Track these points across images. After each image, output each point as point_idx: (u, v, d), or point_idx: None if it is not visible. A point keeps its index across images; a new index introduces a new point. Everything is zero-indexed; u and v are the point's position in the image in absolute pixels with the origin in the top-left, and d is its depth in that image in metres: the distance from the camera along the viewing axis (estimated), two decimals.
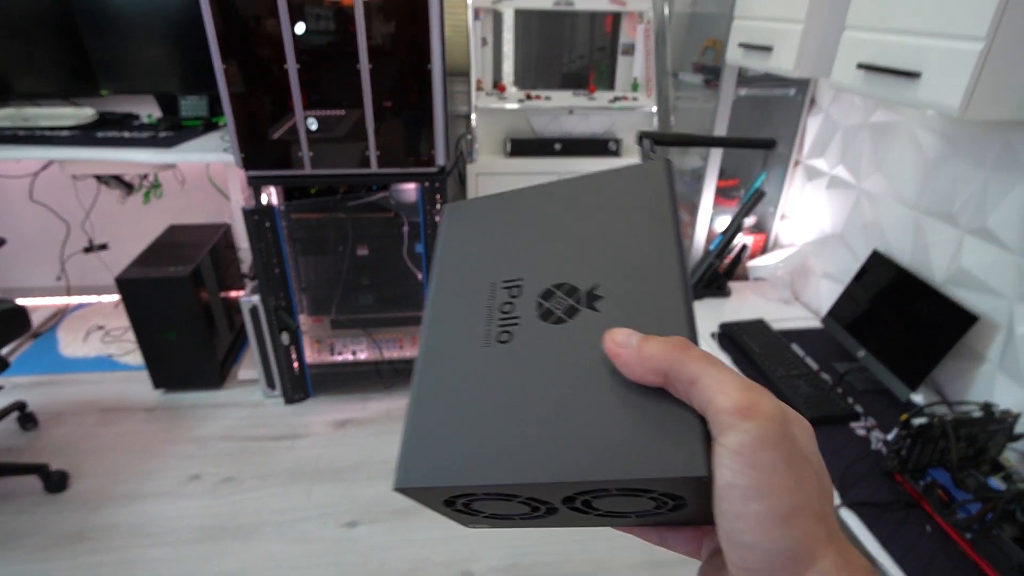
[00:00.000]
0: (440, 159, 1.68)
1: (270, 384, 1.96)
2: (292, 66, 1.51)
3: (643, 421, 0.23)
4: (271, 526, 1.53)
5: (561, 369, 0.26)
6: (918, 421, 1.12)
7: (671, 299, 0.27)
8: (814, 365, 1.55)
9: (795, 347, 1.62)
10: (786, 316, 1.79)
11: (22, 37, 1.98)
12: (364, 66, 1.53)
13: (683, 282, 0.27)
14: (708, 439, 0.22)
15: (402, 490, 0.25)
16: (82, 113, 2.03)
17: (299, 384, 1.96)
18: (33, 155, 1.79)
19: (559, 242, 0.32)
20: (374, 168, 1.66)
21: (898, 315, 1.45)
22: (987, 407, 1.09)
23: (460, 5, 2.12)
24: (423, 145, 1.66)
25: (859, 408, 1.39)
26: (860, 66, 1.15)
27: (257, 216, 1.66)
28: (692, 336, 0.25)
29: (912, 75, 1.05)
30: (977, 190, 1.29)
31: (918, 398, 1.36)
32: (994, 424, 1.12)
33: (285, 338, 1.84)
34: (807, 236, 1.87)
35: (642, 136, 0.29)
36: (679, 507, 0.24)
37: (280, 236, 1.71)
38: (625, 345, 0.24)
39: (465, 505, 0.27)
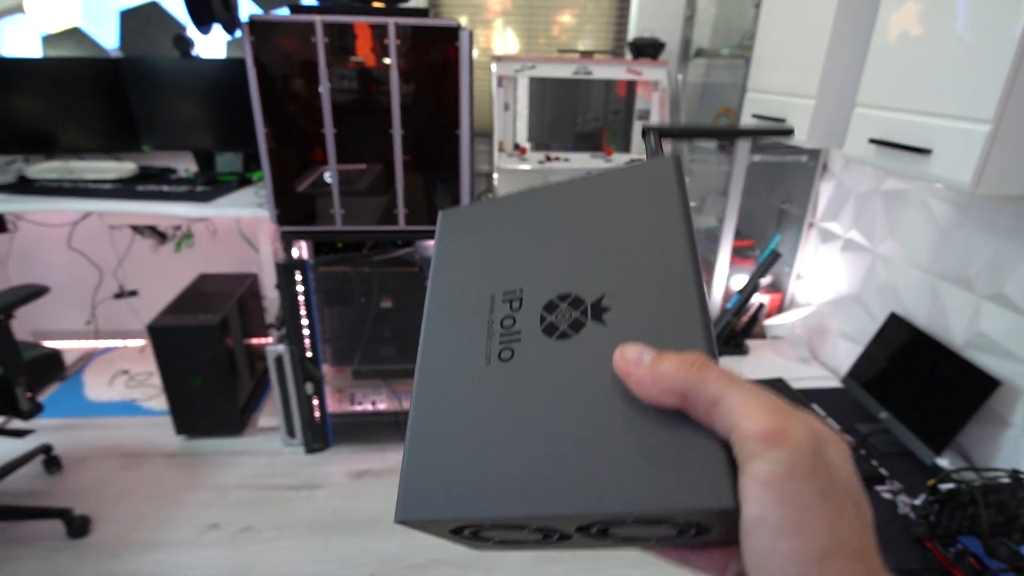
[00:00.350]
0: None
1: (290, 433, 1.98)
2: (328, 128, 1.61)
3: (661, 447, 0.21)
4: None
5: (569, 389, 0.24)
6: (946, 486, 1.12)
7: (685, 309, 0.24)
8: (836, 426, 1.55)
9: (815, 407, 1.63)
10: (805, 375, 1.81)
11: (74, 96, 2.11)
12: (396, 130, 1.62)
13: (698, 290, 0.25)
14: (733, 466, 0.20)
15: (403, 523, 0.24)
16: (124, 167, 2.13)
17: (319, 433, 1.97)
18: (77, 207, 1.88)
19: (561, 248, 0.29)
20: (402, 225, 1.73)
21: (920, 377, 1.47)
22: (1015, 474, 1.09)
23: (484, 70, 2.24)
24: (449, 204, 1.74)
25: (884, 471, 1.38)
26: (872, 141, 1.21)
27: (288, 269, 1.72)
28: (711, 350, 0.23)
29: (923, 151, 1.10)
30: (991, 257, 1.32)
31: (944, 462, 1.36)
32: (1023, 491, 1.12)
33: (309, 388, 1.87)
34: (823, 296, 1.91)
35: (646, 130, 0.28)
36: (703, 532, 0.23)
37: (310, 289, 1.77)
38: (637, 364, 0.22)
39: (473, 534, 0.25)
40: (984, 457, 1.35)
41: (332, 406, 2.01)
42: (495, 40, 2.48)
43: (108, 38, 2.21)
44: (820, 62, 1.41)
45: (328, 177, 1.65)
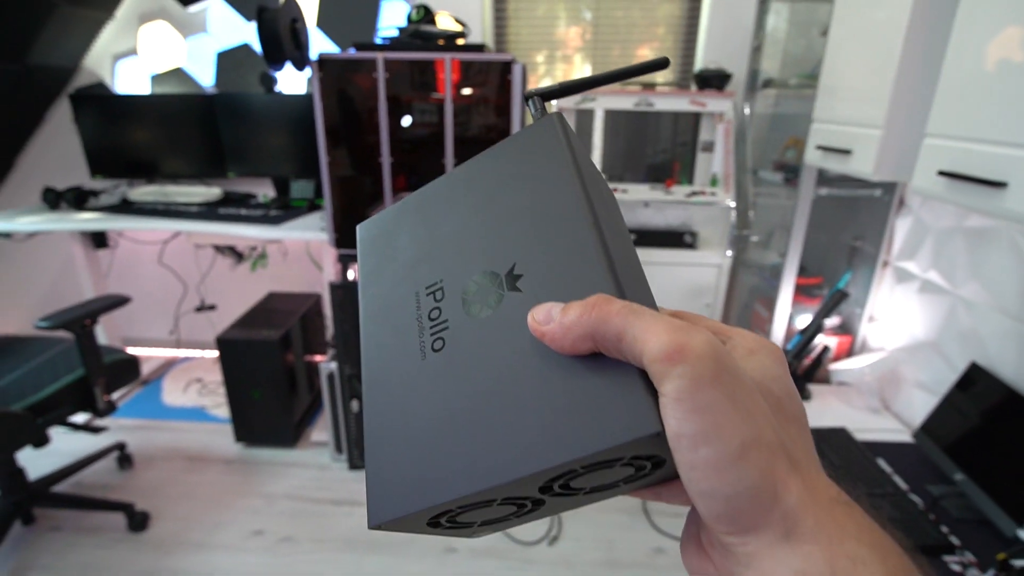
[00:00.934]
0: None
1: (338, 448, 2.03)
2: (385, 159, 1.68)
3: (586, 392, 0.22)
4: None
5: (498, 362, 0.25)
6: (1020, 562, 0.98)
7: (587, 258, 0.25)
8: (903, 485, 1.41)
9: (881, 462, 1.49)
10: (873, 427, 1.66)
11: (174, 128, 2.34)
12: (449, 159, 1.67)
13: (597, 236, 0.25)
14: (654, 392, 0.21)
15: (377, 527, 0.25)
16: (210, 192, 2.33)
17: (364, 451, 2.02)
18: (167, 227, 2.07)
19: (470, 229, 0.30)
20: None
21: (1002, 437, 1.31)
22: None
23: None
24: None
25: (955, 539, 1.23)
26: (942, 173, 1.12)
27: (341, 290, 1.80)
28: (617, 289, 0.24)
29: (998, 184, 1.00)
30: None
31: None
32: None
33: (355, 405, 1.92)
34: (898, 341, 1.75)
35: (528, 95, 0.27)
36: (659, 464, 0.23)
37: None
38: (548, 321, 0.23)
39: (451, 522, 0.26)
40: None
41: None
42: (574, 74, 2.52)
43: (206, 77, 2.45)
44: (888, 90, 1.33)
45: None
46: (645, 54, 2.47)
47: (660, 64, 0.33)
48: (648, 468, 0.23)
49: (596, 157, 2.32)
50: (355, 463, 2.02)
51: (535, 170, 0.29)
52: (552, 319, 0.23)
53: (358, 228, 0.37)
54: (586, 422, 0.22)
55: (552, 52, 2.48)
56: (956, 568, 1.16)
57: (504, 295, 0.26)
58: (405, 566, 1.63)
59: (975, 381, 1.42)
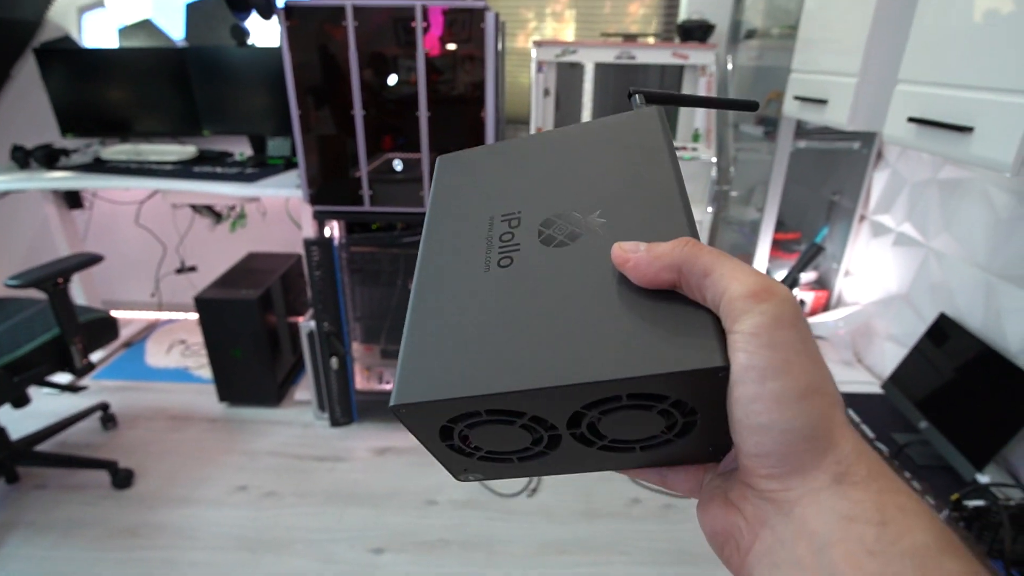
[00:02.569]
0: None
1: (321, 407, 2.05)
2: (358, 111, 1.65)
3: (656, 321, 0.23)
4: (302, 543, 1.58)
5: (566, 284, 0.26)
6: (974, 503, 1.01)
7: (674, 218, 0.26)
8: (870, 433, 1.44)
9: (851, 412, 1.52)
10: (845, 379, 1.69)
11: (146, 84, 2.28)
12: (423, 112, 1.64)
13: (684, 204, 0.27)
14: (722, 335, 0.22)
15: (398, 407, 0.24)
16: (185, 150, 2.28)
17: (345, 408, 2.04)
18: (141, 185, 2.03)
19: (558, 177, 0.32)
20: (426, 207, 1.75)
21: (966, 385, 1.33)
22: None
23: (527, 57, 2.23)
24: None
25: (916, 484, 1.27)
26: (911, 120, 1.11)
27: (318, 247, 1.79)
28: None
29: (964, 130, 1.00)
30: None
31: (985, 479, 1.23)
32: None
33: (334, 363, 1.93)
34: (872, 295, 1.77)
35: (633, 92, 0.30)
36: (687, 429, 0.24)
37: (336, 266, 1.83)
38: (634, 251, 0.24)
39: (462, 437, 0.26)
40: None
41: (360, 383, 2.07)
42: (565, 31, 2.46)
43: (176, 30, 2.37)
44: (863, 38, 1.30)
45: (362, 163, 1.69)
46: (635, 10, 2.41)
47: (750, 106, 0.37)
48: (675, 431, 0.24)
49: (586, 114, 2.28)
50: (337, 420, 2.05)
51: (634, 144, 0.31)
52: (639, 250, 0.24)
53: (438, 159, 0.38)
54: (652, 346, 0.22)
55: (541, 8, 2.41)
56: None
57: (582, 234, 0.28)
58: (386, 518, 1.67)
59: (943, 332, 1.43)
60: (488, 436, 0.25)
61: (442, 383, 0.24)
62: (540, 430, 0.25)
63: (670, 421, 0.24)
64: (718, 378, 0.21)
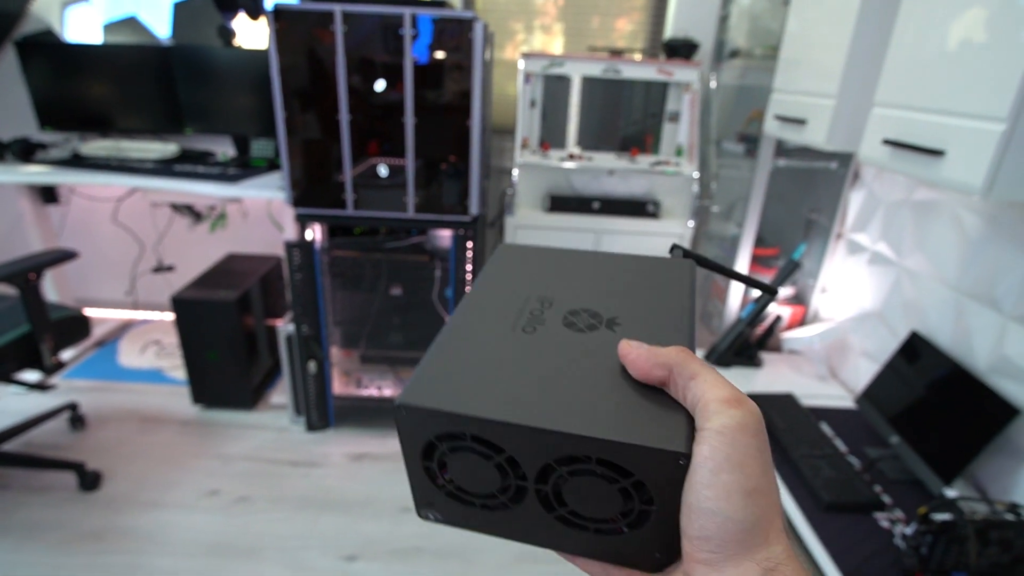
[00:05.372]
0: (474, 209, 1.75)
1: (298, 411, 2.03)
2: (344, 115, 1.65)
3: (639, 406, 0.26)
4: (273, 550, 1.56)
5: (575, 359, 0.29)
6: (941, 517, 1.03)
7: (678, 334, 0.31)
8: (843, 447, 1.46)
9: (824, 426, 1.54)
10: (819, 393, 1.71)
11: (129, 80, 2.25)
12: (409, 119, 1.64)
13: (690, 329, 0.32)
14: (692, 432, 0.24)
15: (400, 407, 0.27)
16: (166, 148, 2.25)
17: (321, 412, 2.02)
18: (120, 182, 2.00)
19: (591, 285, 0.37)
20: (411, 213, 1.75)
21: (936, 402, 1.36)
22: (1014, 508, 0.99)
23: (515, 68, 2.24)
24: (459, 195, 1.74)
25: (887, 498, 1.29)
26: (886, 142, 1.14)
27: (299, 250, 1.77)
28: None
29: (936, 153, 1.03)
30: (1021, 275, 1.22)
31: (952, 493, 1.25)
32: None
33: (312, 367, 1.91)
34: (847, 311, 1.80)
35: (674, 247, 0.35)
36: (642, 520, 0.26)
37: (316, 270, 1.81)
38: (637, 347, 0.28)
39: (441, 462, 0.28)
40: (1001, 492, 1.23)
41: (338, 388, 2.05)
42: (554, 44, 2.48)
43: (162, 27, 2.34)
44: (842, 62, 1.34)
45: (349, 169, 1.69)
46: (623, 26, 2.44)
47: (769, 290, 0.45)
48: (632, 515, 0.26)
49: (572, 128, 2.30)
50: (313, 425, 2.02)
51: (666, 280, 0.37)
52: (642, 348, 0.28)
53: (500, 246, 0.44)
54: (630, 421, 0.25)
55: (530, 21, 2.44)
56: (885, 524, 1.22)
57: (600, 328, 0.32)
58: (360, 525, 1.65)
59: (915, 349, 1.47)
60: (463, 468, 0.28)
61: (444, 398, 0.27)
62: (511, 476, 0.27)
63: (628, 506, 0.26)
64: (679, 465, 0.24)
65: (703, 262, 0.41)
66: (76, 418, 1.97)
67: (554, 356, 0.30)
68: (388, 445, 1.98)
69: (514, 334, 0.32)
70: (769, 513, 0.23)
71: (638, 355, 0.27)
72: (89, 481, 1.71)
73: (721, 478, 0.22)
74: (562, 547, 0.29)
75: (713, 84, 2.23)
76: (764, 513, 0.23)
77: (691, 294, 0.35)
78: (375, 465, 1.89)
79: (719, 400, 0.24)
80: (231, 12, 1.56)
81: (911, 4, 1.13)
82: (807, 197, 1.99)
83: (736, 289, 2.02)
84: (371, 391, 2.07)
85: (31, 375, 1.75)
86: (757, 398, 1.60)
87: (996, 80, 0.92)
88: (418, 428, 0.28)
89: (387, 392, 2.08)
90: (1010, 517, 1.01)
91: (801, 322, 1.98)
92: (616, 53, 2.18)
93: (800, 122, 1.50)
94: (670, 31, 2.32)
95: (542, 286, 0.37)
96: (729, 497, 0.22)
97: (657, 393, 0.27)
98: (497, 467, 0.27)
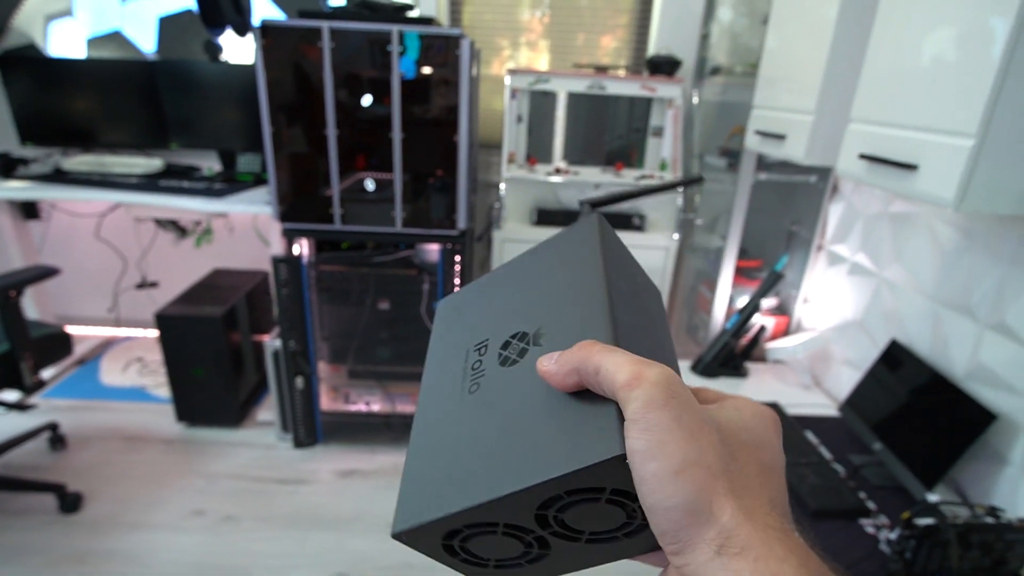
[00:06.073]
0: (461, 223, 1.76)
1: (285, 427, 2.01)
2: (331, 130, 1.65)
3: (570, 421, 0.26)
4: (261, 570, 1.53)
5: (514, 401, 0.29)
6: (924, 521, 1.05)
7: (596, 318, 0.30)
8: (828, 455, 1.48)
9: (809, 435, 1.56)
10: (804, 402, 1.74)
11: (113, 95, 2.24)
12: (396, 134, 1.66)
13: (607, 303, 0.30)
14: (623, 420, 0.23)
15: (398, 536, 0.28)
16: (150, 163, 2.24)
17: (309, 429, 2.00)
18: (104, 197, 1.98)
19: (515, 301, 0.36)
20: (398, 228, 1.76)
21: (916, 409, 1.39)
22: (993, 511, 1.02)
23: (501, 83, 2.27)
24: (446, 209, 1.76)
25: (872, 504, 1.31)
26: (862, 156, 1.18)
27: (285, 265, 1.77)
28: (614, 341, 0.27)
29: (910, 167, 1.06)
30: (994, 284, 1.26)
31: (934, 498, 1.28)
32: (1011, 533, 1.04)
33: (300, 382, 1.90)
34: (829, 321, 1.84)
35: (582, 203, 0.34)
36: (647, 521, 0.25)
37: (304, 285, 1.81)
38: (549, 363, 0.27)
39: (464, 548, 0.28)
40: (981, 496, 1.26)
41: (326, 404, 2.04)
42: (539, 60, 2.52)
43: (147, 42, 2.34)
44: (819, 79, 1.38)
45: (335, 182, 1.69)
46: (608, 43, 2.49)
47: (696, 180, 0.40)
48: (639, 517, 0.26)
49: (558, 143, 2.33)
50: (301, 441, 2.00)
51: (572, 256, 0.36)
52: (552, 361, 0.27)
53: (438, 304, 0.45)
54: (564, 447, 0.25)
55: (516, 38, 2.48)
56: (870, 531, 1.24)
57: (529, 349, 0.31)
58: (349, 542, 1.64)
59: (895, 357, 1.50)
60: (485, 546, 0.28)
61: (422, 510, 0.27)
62: (523, 535, 0.27)
63: (629, 510, 0.25)
64: (626, 464, 0.23)
65: (616, 198, 0.39)
66: (56, 438, 1.93)
67: (497, 407, 0.29)
68: (377, 461, 1.97)
69: (462, 402, 0.32)
70: (707, 482, 0.22)
71: (550, 372, 0.27)
72: (70, 503, 1.67)
73: (649, 468, 0.22)
74: (617, 557, 0.29)
75: (695, 100, 2.28)
76: (701, 485, 0.22)
77: (604, 262, 0.33)
78: (364, 481, 1.88)
79: (623, 385, 0.23)
80: (218, 29, 1.57)
81: (883, 24, 1.17)
82: (788, 210, 2.03)
83: (721, 301, 2.05)
84: (359, 406, 2.06)
85: (10, 395, 1.72)
86: None
87: (965, 97, 0.96)
88: (423, 542, 0.28)
89: (375, 407, 2.07)
90: (990, 520, 1.03)
91: (785, 332, 2.02)
92: (601, 70, 2.22)
93: (780, 137, 1.54)
94: (653, 48, 2.37)
95: (477, 330, 0.37)
96: (661, 485, 0.21)
97: (584, 397, 0.26)
98: (504, 534, 0.27)
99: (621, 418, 0.23)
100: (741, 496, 0.22)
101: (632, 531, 0.27)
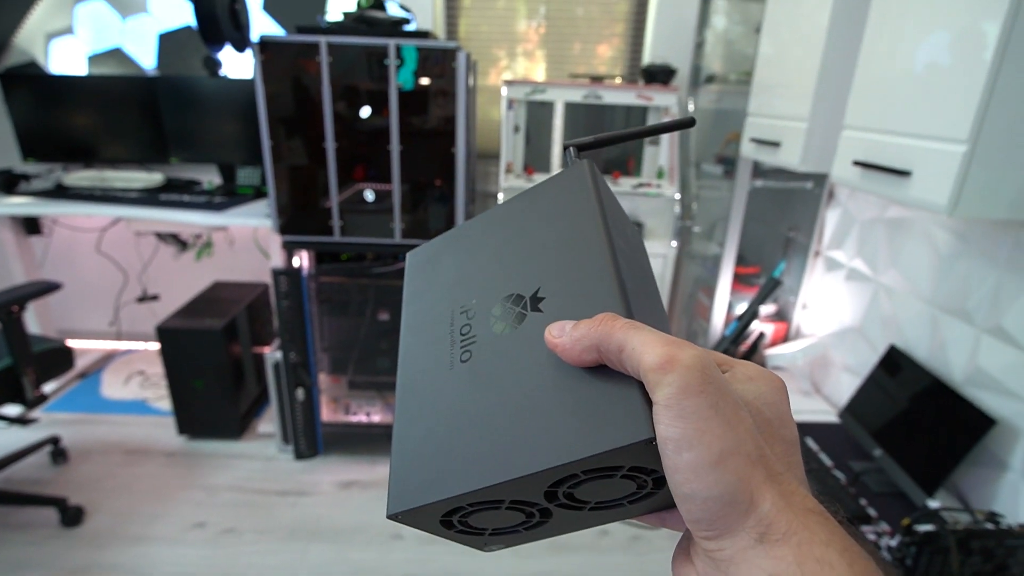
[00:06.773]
0: None
1: (286, 439, 2.01)
2: (330, 143, 1.67)
3: (588, 400, 0.24)
4: None
5: (515, 372, 0.27)
6: (924, 528, 1.05)
7: (602, 283, 0.28)
8: (828, 462, 1.48)
9: (810, 441, 1.56)
10: (804, 408, 1.74)
11: (113, 111, 2.26)
12: (394, 146, 1.67)
13: (613, 265, 0.28)
14: (649, 402, 0.22)
15: (394, 516, 0.27)
16: (151, 178, 2.26)
17: (310, 440, 2.00)
18: (105, 212, 2.00)
19: (503, 258, 0.33)
20: (397, 238, 1.77)
21: (915, 414, 1.39)
22: (993, 517, 1.02)
23: (499, 93, 2.29)
24: (445, 219, 1.77)
25: (872, 511, 1.31)
26: (856, 163, 1.18)
27: (286, 277, 1.78)
28: (626, 311, 0.26)
29: (903, 173, 1.07)
30: (991, 288, 1.26)
31: (935, 504, 1.28)
32: (1012, 539, 1.04)
33: (300, 394, 1.90)
34: (828, 327, 1.84)
35: (566, 146, 0.32)
36: (660, 483, 0.24)
37: (304, 297, 1.82)
38: (560, 334, 0.25)
39: (463, 523, 0.27)
40: (982, 502, 1.26)
41: (327, 415, 2.04)
42: (536, 70, 2.54)
43: (147, 59, 2.37)
44: (812, 86, 1.39)
45: (334, 193, 1.71)
46: (603, 52, 2.51)
47: (687, 123, 0.36)
48: (649, 486, 0.25)
49: (555, 152, 2.35)
50: (301, 453, 2.00)
51: (565, 208, 0.33)
52: (564, 332, 0.25)
53: (408, 255, 0.40)
54: (585, 427, 0.23)
55: (512, 48, 2.50)
56: (871, 537, 1.23)
57: (527, 315, 0.29)
58: (350, 554, 1.63)
59: (894, 363, 1.50)
60: (486, 519, 0.27)
61: (421, 490, 0.26)
62: (527, 507, 0.27)
63: (640, 481, 0.25)
64: (652, 446, 0.22)
65: (604, 141, 0.35)
66: (58, 452, 1.93)
67: (497, 379, 0.28)
68: (377, 472, 1.97)
69: (455, 372, 0.30)
70: (746, 472, 0.21)
71: (563, 346, 0.25)
72: (71, 516, 1.67)
73: (684, 458, 0.21)
74: (612, 520, 0.28)
75: (691, 108, 2.29)
76: (742, 475, 0.21)
77: (601, 214, 0.31)
78: (365, 492, 1.87)
79: (654, 367, 0.22)
80: (217, 45, 1.59)
81: (874, 31, 1.18)
82: (785, 216, 2.04)
83: (720, 308, 2.05)
84: (360, 417, 2.06)
85: (12, 409, 1.72)
86: None
87: (956, 103, 0.97)
88: (421, 521, 0.27)
89: (376, 418, 2.07)
90: (990, 526, 1.03)
91: (784, 338, 2.02)
92: (597, 79, 2.24)
93: (775, 144, 1.55)
94: (648, 57, 2.39)
95: (460, 290, 0.34)
96: (699, 475, 0.21)
97: (602, 373, 0.25)
98: (508, 509, 0.26)
99: (646, 398, 0.23)
100: (779, 481, 0.22)
101: (638, 499, 0.26)
